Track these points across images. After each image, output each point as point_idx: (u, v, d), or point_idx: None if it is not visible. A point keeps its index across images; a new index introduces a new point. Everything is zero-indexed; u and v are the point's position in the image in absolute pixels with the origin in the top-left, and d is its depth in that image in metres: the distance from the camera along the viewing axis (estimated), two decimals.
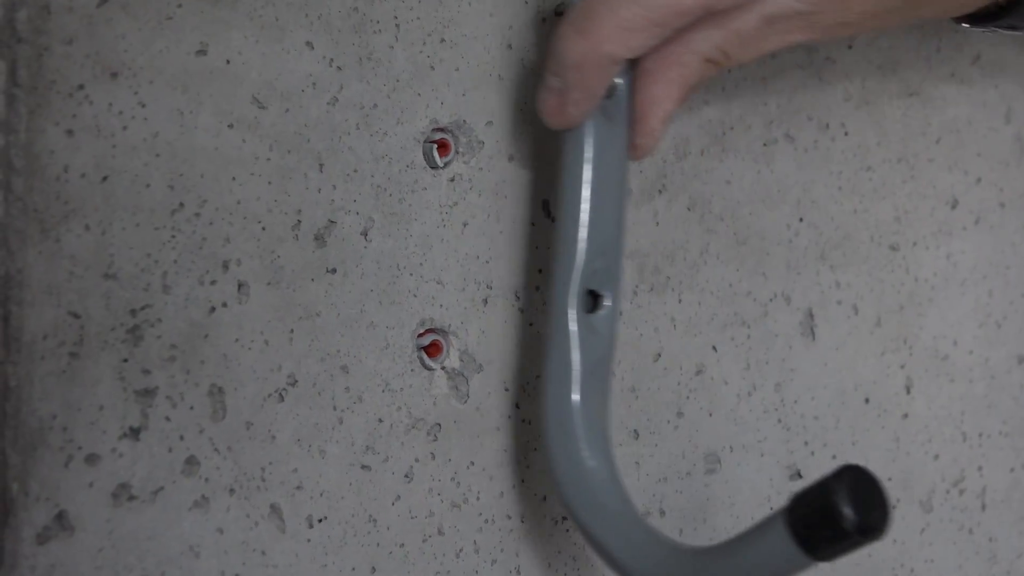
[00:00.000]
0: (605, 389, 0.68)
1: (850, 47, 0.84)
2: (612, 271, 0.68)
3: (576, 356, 0.66)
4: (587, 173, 0.66)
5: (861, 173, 0.85)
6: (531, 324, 0.72)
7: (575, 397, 0.66)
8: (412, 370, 0.68)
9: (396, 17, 0.66)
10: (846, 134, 0.84)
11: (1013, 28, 0.73)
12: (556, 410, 0.67)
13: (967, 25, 0.75)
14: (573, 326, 0.67)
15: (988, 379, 0.91)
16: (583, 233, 0.66)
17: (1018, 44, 0.90)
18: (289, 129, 0.63)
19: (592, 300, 0.67)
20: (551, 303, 0.67)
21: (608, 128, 0.67)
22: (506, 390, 0.72)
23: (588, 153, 0.66)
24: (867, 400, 0.85)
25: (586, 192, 0.66)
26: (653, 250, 0.76)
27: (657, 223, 0.76)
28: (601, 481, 0.66)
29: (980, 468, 0.91)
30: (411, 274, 0.68)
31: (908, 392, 0.87)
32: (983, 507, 0.91)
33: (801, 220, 0.83)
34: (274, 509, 0.64)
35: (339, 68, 0.64)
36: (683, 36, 0.65)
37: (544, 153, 0.71)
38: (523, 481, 0.72)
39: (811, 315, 0.83)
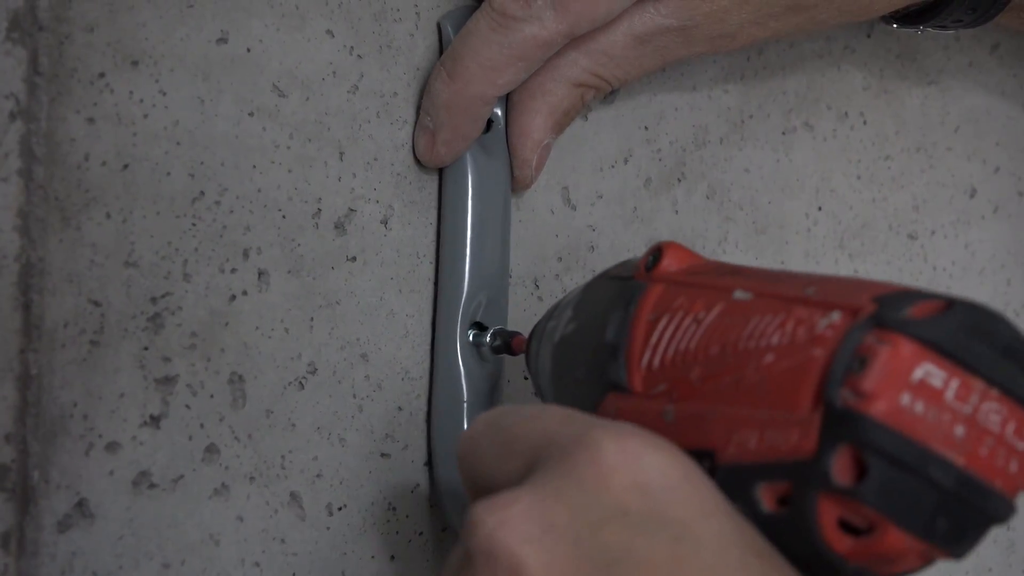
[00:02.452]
0: None
1: (868, 36, 0.84)
2: (498, 303, 0.68)
3: (464, 390, 0.67)
4: (468, 208, 0.67)
5: (880, 162, 0.85)
6: None
7: (466, 428, 0.67)
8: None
9: (416, 5, 0.66)
10: (865, 123, 0.84)
11: (942, 28, 0.73)
12: (445, 443, 0.67)
13: (896, 26, 0.75)
14: (460, 360, 0.67)
15: None
16: (466, 268, 0.67)
17: None
18: (309, 117, 0.63)
19: (479, 333, 0.67)
20: (438, 338, 0.68)
21: (487, 162, 0.67)
22: (525, 378, 0.72)
23: (468, 188, 0.67)
24: None
25: (468, 227, 0.67)
26: (672, 238, 0.75)
27: (676, 211, 0.76)
28: None
29: None
30: (431, 262, 0.68)
31: None
32: None
33: (820, 209, 0.82)
34: (294, 497, 0.64)
35: (359, 56, 0.64)
36: (550, 63, 0.66)
37: (559, 142, 0.71)
38: None
39: None
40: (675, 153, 0.76)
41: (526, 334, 0.66)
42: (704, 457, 0.47)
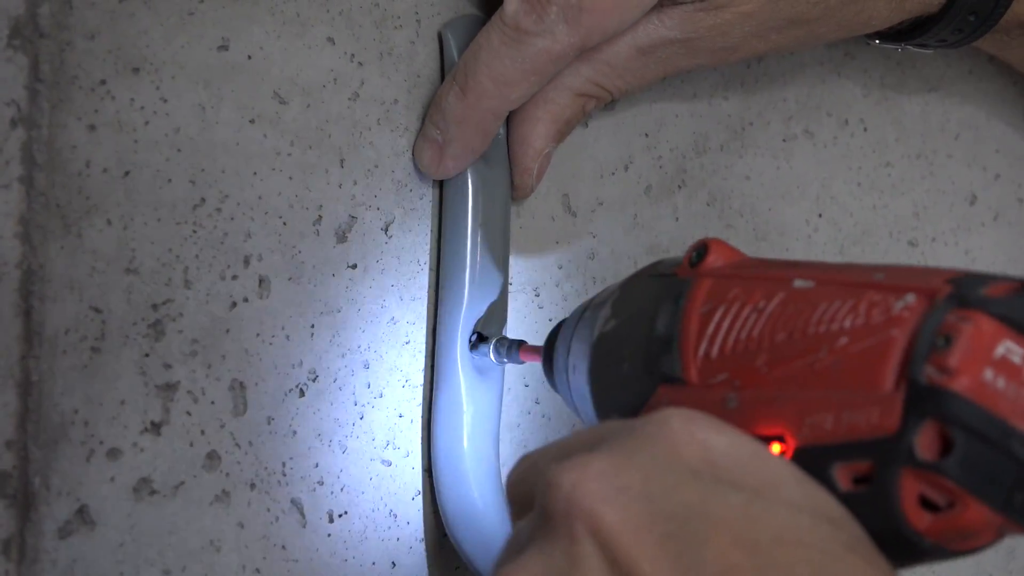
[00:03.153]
0: (495, 431, 0.69)
1: (869, 43, 0.84)
2: (498, 313, 0.68)
3: (465, 400, 0.67)
4: (468, 218, 0.67)
5: (880, 169, 0.85)
6: (550, 320, 0.72)
7: (465, 441, 0.67)
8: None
9: (417, 12, 0.66)
10: (865, 130, 0.84)
11: (923, 47, 0.74)
12: (447, 453, 0.67)
13: (878, 42, 0.75)
14: (462, 371, 0.67)
15: None
16: (466, 277, 0.67)
17: None
18: (310, 124, 0.63)
19: (480, 343, 0.67)
20: (439, 348, 0.68)
21: (488, 171, 0.67)
22: (526, 386, 0.72)
23: (469, 198, 0.67)
24: None
25: (468, 237, 0.67)
26: (672, 245, 0.75)
27: (677, 219, 0.76)
28: (492, 523, 0.67)
29: None
30: (432, 269, 0.68)
31: None
32: None
33: (820, 216, 0.82)
34: (295, 504, 0.64)
35: (360, 64, 0.64)
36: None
37: (560, 149, 0.71)
38: None
39: None
40: (676, 160, 0.76)
41: (530, 342, 0.66)
42: (774, 441, 0.48)
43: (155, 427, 0.59)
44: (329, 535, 0.65)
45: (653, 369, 0.54)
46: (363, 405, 0.66)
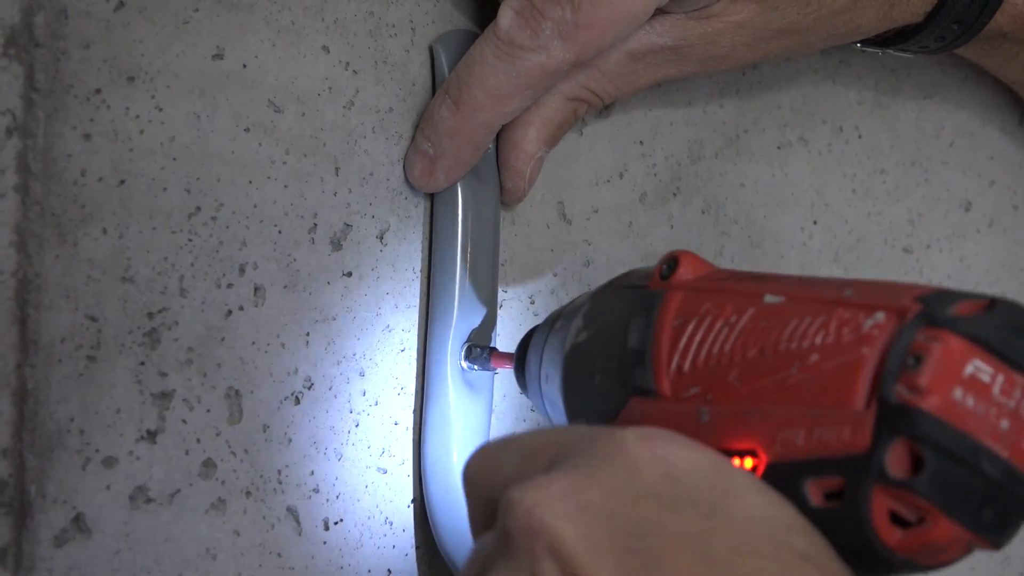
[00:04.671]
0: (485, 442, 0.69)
1: (863, 51, 0.84)
2: (487, 326, 0.68)
3: (454, 412, 0.67)
4: (459, 233, 0.67)
5: (875, 176, 0.85)
6: None
7: (455, 453, 0.67)
8: None
9: (412, 21, 0.66)
10: (860, 137, 0.84)
11: (925, 48, 0.74)
12: (437, 467, 0.67)
13: (859, 46, 0.75)
14: (451, 382, 0.67)
15: None
16: (458, 292, 0.67)
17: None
18: (305, 133, 0.63)
19: (470, 356, 0.68)
20: (429, 359, 0.68)
21: (478, 184, 0.67)
22: (519, 394, 0.72)
23: (459, 212, 0.67)
24: None
25: (459, 251, 0.67)
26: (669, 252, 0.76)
27: (671, 226, 0.76)
28: None
29: None
30: (427, 277, 0.68)
31: None
32: None
33: (815, 223, 0.83)
34: (290, 511, 0.64)
35: (355, 72, 0.65)
36: None
37: (555, 157, 0.71)
38: None
39: None
40: (670, 168, 0.76)
41: (519, 335, 0.66)
42: (745, 456, 0.49)
43: (151, 435, 0.59)
44: (325, 543, 0.65)
45: (625, 381, 0.55)
46: (358, 413, 0.66)
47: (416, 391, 0.68)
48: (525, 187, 0.69)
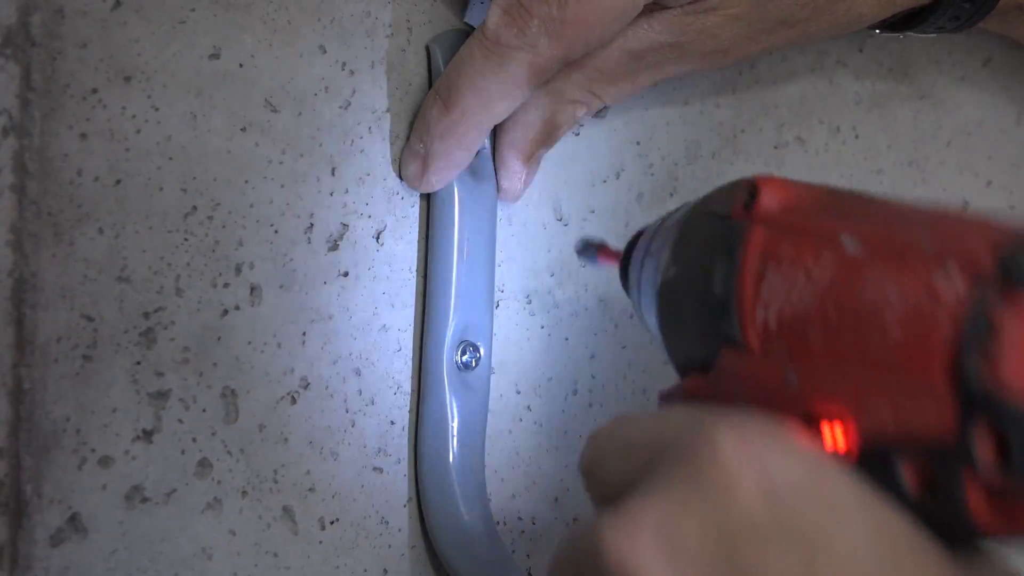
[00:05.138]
0: (480, 444, 0.69)
1: (860, 50, 0.84)
2: (484, 326, 0.68)
3: (452, 414, 0.67)
4: (456, 232, 0.67)
5: (872, 176, 0.85)
6: (542, 327, 0.72)
7: (452, 454, 0.67)
8: None
9: (408, 20, 0.66)
10: (857, 137, 0.84)
11: (943, 28, 0.73)
12: (433, 467, 0.68)
13: (878, 31, 0.74)
14: (448, 384, 0.67)
15: None
16: (454, 292, 0.67)
17: None
18: (302, 133, 0.63)
19: (466, 355, 0.68)
20: (425, 362, 0.68)
21: (475, 184, 0.67)
22: (518, 392, 0.72)
23: (456, 212, 0.67)
24: None
25: (456, 251, 0.67)
26: None
27: None
28: (477, 535, 0.67)
29: None
30: (423, 276, 0.68)
31: None
32: None
33: None
34: (286, 511, 0.64)
35: (352, 72, 0.65)
36: None
37: (551, 156, 0.71)
38: (535, 483, 0.73)
39: None
40: (667, 168, 0.76)
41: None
42: (834, 422, 0.46)
43: (147, 435, 0.59)
44: (321, 542, 0.65)
45: (715, 330, 0.52)
46: (354, 412, 0.66)
47: (412, 390, 0.68)
48: (521, 187, 0.69)
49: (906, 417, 0.44)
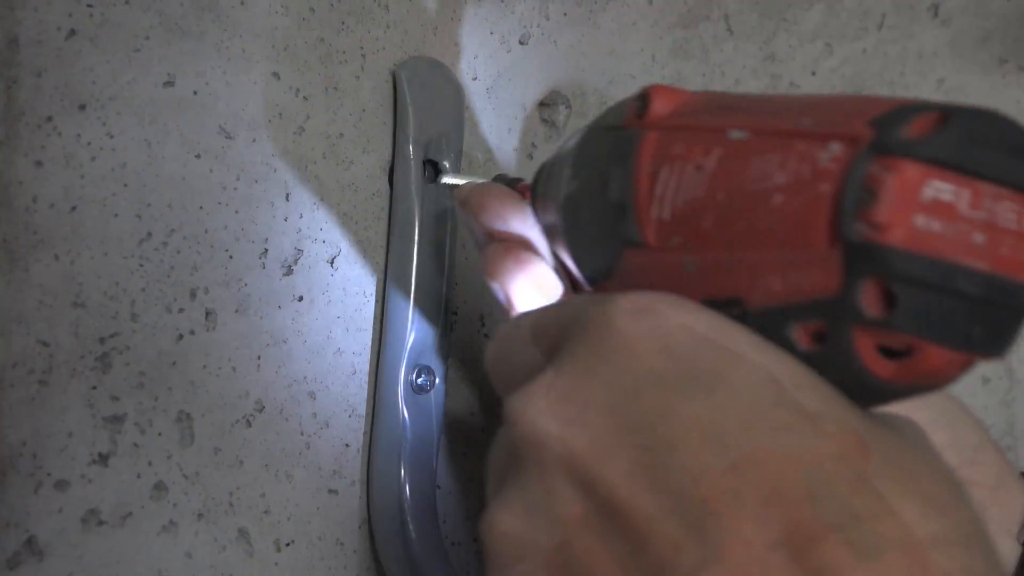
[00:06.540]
0: (433, 466, 0.69)
1: (814, 73, 0.85)
2: (438, 348, 0.70)
3: (406, 435, 0.68)
4: (415, 257, 0.68)
5: None
6: None
7: (403, 475, 0.68)
8: None
9: (362, 48, 0.67)
10: None
11: None
12: (384, 488, 0.68)
13: None
14: (404, 406, 0.68)
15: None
16: (411, 315, 0.68)
17: (980, 71, 0.91)
18: (256, 159, 0.63)
19: (421, 378, 0.68)
20: (380, 385, 0.69)
21: (435, 210, 0.68)
22: (472, 415, 0.72)
23: (415, 236, 0.68)
24: None
25: (414, 276, 0.68)
26: None
27: None
28: (427, 556, 0.68)
29: None
30: (378, 301, 0.68)
31: None
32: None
33: None
34: (242, 533, 0.64)
35: (305, 98, 0.65)
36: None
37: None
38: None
39: None
40: None
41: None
42: (732, 305, 0.47)
43: (103, 459, 0.60)
44: (276, 564, 0.65)
45: (616, 233, 0.53)
46: (309, 435, 0.66)
47: (367, 413, 0.68)
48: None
49: (797, 284, 0.45)
